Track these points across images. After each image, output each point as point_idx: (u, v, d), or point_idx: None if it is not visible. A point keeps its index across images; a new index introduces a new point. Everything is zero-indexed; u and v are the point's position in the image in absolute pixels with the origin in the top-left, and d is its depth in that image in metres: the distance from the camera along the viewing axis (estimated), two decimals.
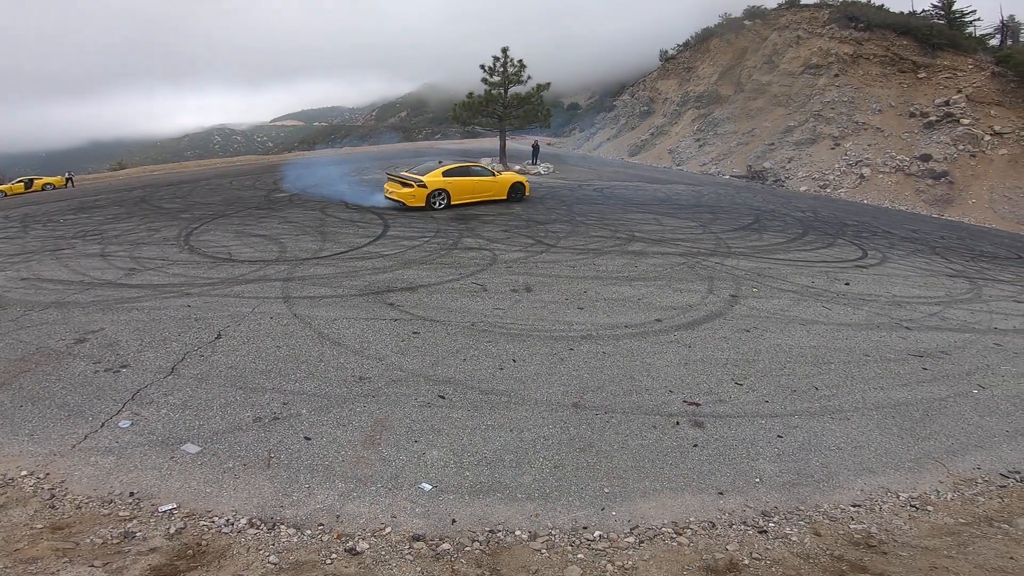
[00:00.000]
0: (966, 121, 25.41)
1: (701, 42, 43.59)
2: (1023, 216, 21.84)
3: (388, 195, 15.31)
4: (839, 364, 6.44)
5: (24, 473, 4.13)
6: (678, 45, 46.75)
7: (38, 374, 5.58)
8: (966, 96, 26.25)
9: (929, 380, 6.23)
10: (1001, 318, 8.70)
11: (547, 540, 3.63)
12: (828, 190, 26.10)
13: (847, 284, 9.76)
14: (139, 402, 5.07)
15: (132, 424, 4.74)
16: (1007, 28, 32.49)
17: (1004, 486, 4.57)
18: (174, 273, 9.09)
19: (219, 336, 6.49)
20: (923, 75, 28.62)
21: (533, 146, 30.62)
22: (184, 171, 35.24)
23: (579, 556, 3.50)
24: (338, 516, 3.77)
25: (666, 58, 47.29)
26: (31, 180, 29.93)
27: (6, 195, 27.32)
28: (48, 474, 4.14)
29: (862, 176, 25.93)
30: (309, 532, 3.62)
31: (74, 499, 3.88)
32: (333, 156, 38.42)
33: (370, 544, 3.52)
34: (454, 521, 3.77)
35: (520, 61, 25.84)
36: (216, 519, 3.70)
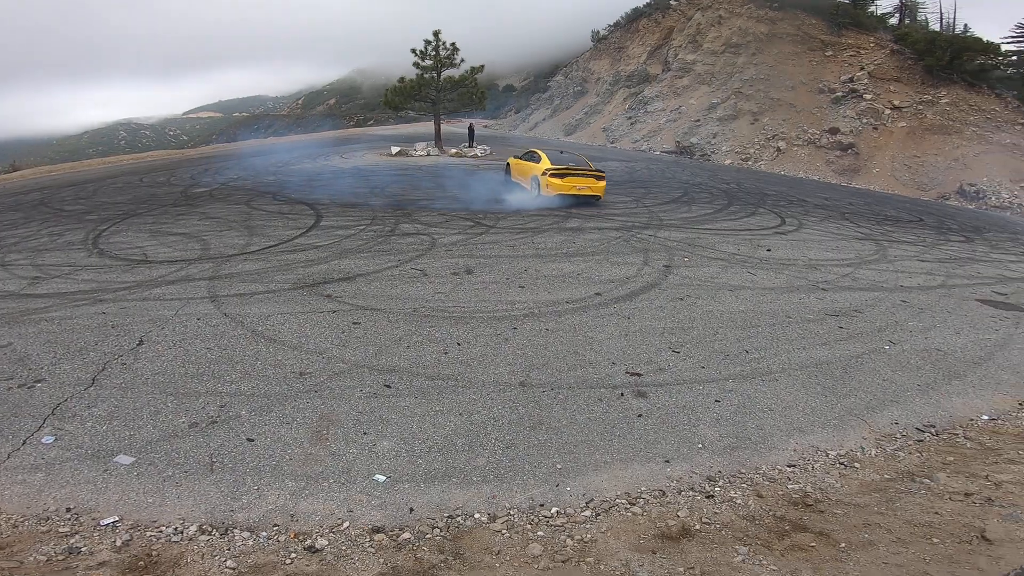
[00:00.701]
0: (869, 96, 27.37)
1: (631, 22, 44.52)
2: (921, 182, 23.91)
3: (567, 191, 13.03)
4: (765, 327, 6.85)
5: None
6: (609, 26, 47.51)
7: None
8: (868, 73, 28.24)
9: (845, 338, 6.73)
10: (906, 276, 9.53)
11: (507, 520, 3.67)
12: (749, 163, 27.49)
13: (769, 250, 10.37)
14: (60, 416, 4.70)
15: (56, 439, 4.41)
16: (905, 7, 34.99)
17: (921, 440, 4.89)
18: (84, 279, 8.39)
19: (141, 342, 6.07)
20: (830, 53, 30.49)
21: (469, 128, 30.37)
22: (87, 170, 32.33)
23: (539, 534, 3.56)
24: (292, 515, 3.67)
25: (598, 39, 47.95)
26: None
27: None
28: None
29: (779, 149, 27.47)
30: (265, 534, 3.52)
31: (8, 518, 3.63)
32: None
33: (329, 540, 3.46)
34: (412, 510, 3.74)
35: (453, 44, 25.49)
36: (164, 528, 3.55)
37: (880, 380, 5.82)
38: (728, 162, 27.88)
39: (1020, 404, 5.67)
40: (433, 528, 3.60)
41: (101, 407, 4.84)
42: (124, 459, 4.22)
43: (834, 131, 26.90)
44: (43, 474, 4.02)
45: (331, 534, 3.52)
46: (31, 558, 3.24)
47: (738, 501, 3.93)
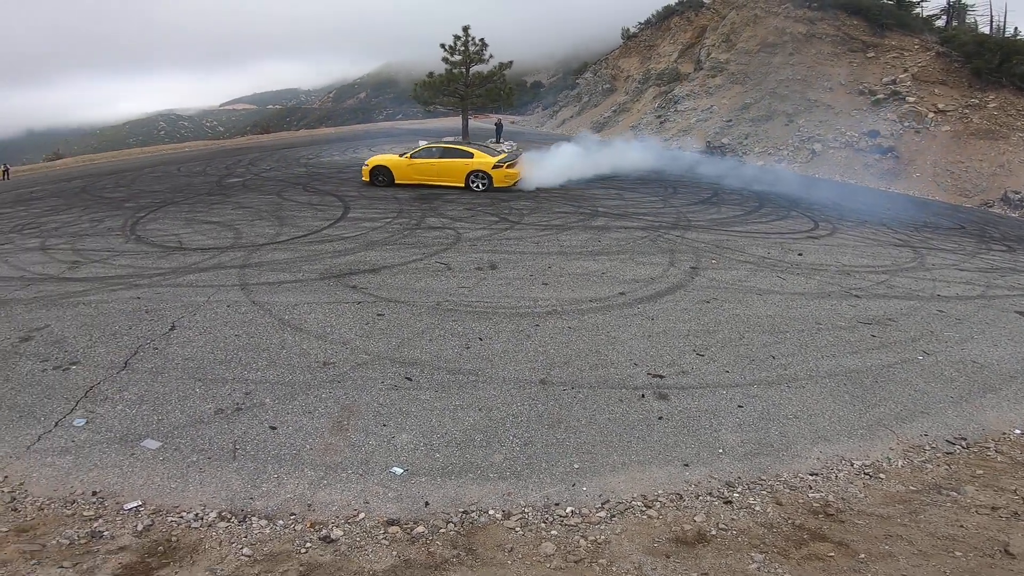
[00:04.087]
0: (911, 99, 26.40)
1: (662, 20, 44.00)
2: (964, 188, 22.97)
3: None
4: (794, 333, 6.68)
5: None
6: (639, 23, 46.99)
7: None
8: (911, 75, 27.25)
9: (877, 347, 6.51)
10: (944, 285, 9.17)
11: (520, 518, 3.65)
12: (783, 165, 26.83)
13: (800, 255, 10.11)
14: (93, 399, 4.85)
15: (87, 422, 4.54)
16: (952, 9, 33.69)
17: (951, 453, 4.72)
18: (121, 264, 8.67)
19: (173, 327, 6.24)
20: (872, 54, 29.52)
21: (496, 125, 30.36)
22: (127, 159, 33.43)
23: (553, 532, 3.54)
24: (310, 505, 3.71)
25: (628, 36, 47.46)
26: None
27: None
28: (6, 477, 3.96)
29: (814, 151, 26.75)
30: (281, 522, 3.56)
31: (35, 501, 3.73)
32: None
33: (344, 531, 3.48)
34: (427, 504, 3.75)
35: (481, 40, 25.56)
36: (184, 514, 3.61)
37: (912, 391, 5.63)
38: (760, 163, 27.28)
39: None
40: (447, 523, 3.60)
41: (132, 391, 4.98)
42: (151, 444, 4.30)
43: (873, 134, 26.05)
44: (72, 457, 4.13)
45: (346, 525, 3.54)
46: (54, 541, 3.31)
47: (756, 508, 3.85)
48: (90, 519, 3.55)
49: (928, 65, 27.44)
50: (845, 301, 7.90)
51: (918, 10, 32.65)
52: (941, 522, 3.68)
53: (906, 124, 25.84)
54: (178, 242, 9.92)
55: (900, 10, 31.01)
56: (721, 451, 4.45)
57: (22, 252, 9.64)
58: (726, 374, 5.60)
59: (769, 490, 4.06)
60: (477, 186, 14.43)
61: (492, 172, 14.28)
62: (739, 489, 4.04)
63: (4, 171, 29.34)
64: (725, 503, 3.89)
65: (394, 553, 3.31)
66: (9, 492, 3.80)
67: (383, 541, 3.41)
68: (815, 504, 3.92)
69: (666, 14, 43.75)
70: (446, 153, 14.83)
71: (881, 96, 27.29)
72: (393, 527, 3.53)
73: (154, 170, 22.70)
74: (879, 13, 30.17)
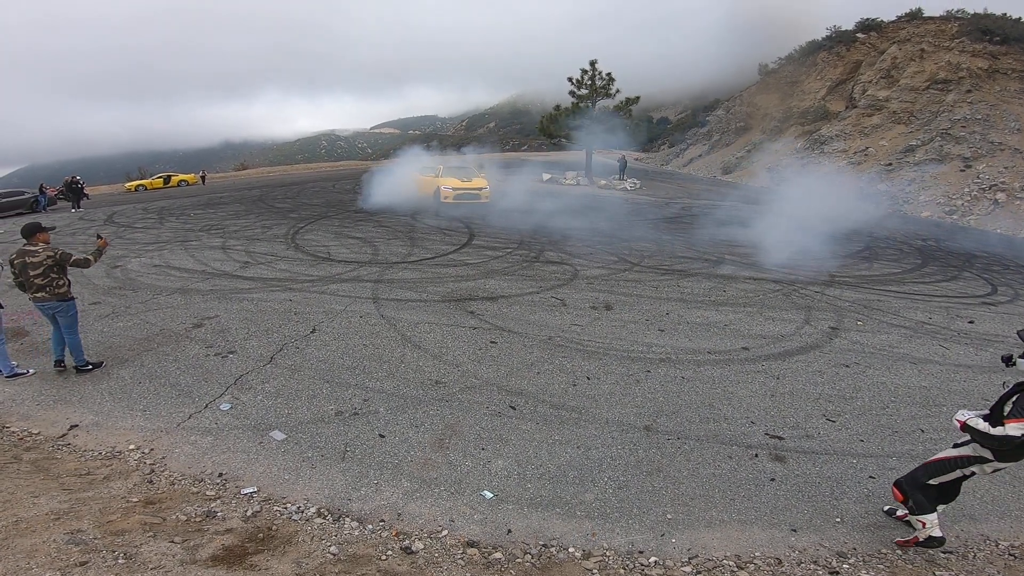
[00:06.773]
0: None
1: (807, 55, 40.84)
2: None
3: None
4: (952, 407, 5.77)
5: (131, 447, 4.49)
6: (780, 58, 44.05)
7: (158, 354, 6.24)
8: None
9: None
10: None
11: (600, 560, 3.55)
12: (955, 216, 23.42)
13: (971, 322, 8.71)
14: (240, 387, 5.50)
15: (231, 407, 5.11)
16: None
17: None
18: (280, 268, 9.92)
19: (314, 330, 6.97)
20: None
21: (621, 161, 30.21)
22: (295, 173, 38.38)
23: None
24: (399, 514, 3.84)
25: (766, 72, 44.77)
26: (169, 176, 33.84)
27: (147, 189, 31.04)
28: (152, 449, 4.46)
29: (996, 202, 23.03)
30: (371, 527, 3.69)
31: (170, 476, 4.14)
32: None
33: (425, 545, 3.56)
34: (510, 531, 3.76)
35: (609, 74, 25.74)
36: (288, 506, 3.85)
37: None
38: (926, 214, 24.08)
39: None
40: (525, 553, 3.56)
41: (272, 384, 5.59)
42: (278, 435, 4.71)
43: None
44: (212, 438, 4.65)
45: (428, 539, 3.62)
46: (173, 516, 3.62)
47: None
48: (210, 499, 3.88)
49: None
50: None
51: None
52: None
53: None
54: (327, 253, 11.13)
55: None
56: (839, 520, 4.04)
57: (207, 249, 11.44)
58: (860, 443, 5.01)
59: (887, 564, 3.64)
60: None
61: None
62: (851, 560, 3.67)
63: (202, 176, 35.26)
64: (831, 573, 3.53)
65: (468, 574, 3.32)
66: (151, 464, 4.28)
67: (459, 560, 3.45)
68: None
69: (811, 49, 40.49)
70: None
71: None
72: (472, 549, 3.56)
73: (315, 185, 25.79)
74: None
